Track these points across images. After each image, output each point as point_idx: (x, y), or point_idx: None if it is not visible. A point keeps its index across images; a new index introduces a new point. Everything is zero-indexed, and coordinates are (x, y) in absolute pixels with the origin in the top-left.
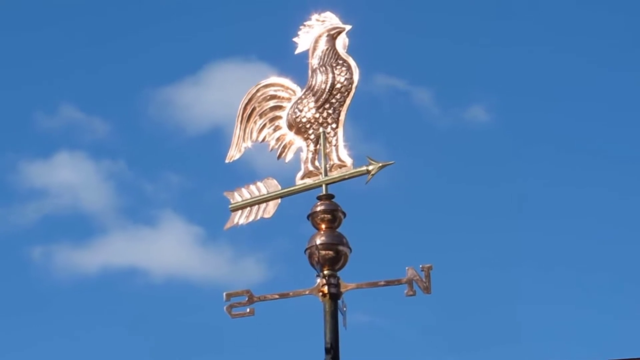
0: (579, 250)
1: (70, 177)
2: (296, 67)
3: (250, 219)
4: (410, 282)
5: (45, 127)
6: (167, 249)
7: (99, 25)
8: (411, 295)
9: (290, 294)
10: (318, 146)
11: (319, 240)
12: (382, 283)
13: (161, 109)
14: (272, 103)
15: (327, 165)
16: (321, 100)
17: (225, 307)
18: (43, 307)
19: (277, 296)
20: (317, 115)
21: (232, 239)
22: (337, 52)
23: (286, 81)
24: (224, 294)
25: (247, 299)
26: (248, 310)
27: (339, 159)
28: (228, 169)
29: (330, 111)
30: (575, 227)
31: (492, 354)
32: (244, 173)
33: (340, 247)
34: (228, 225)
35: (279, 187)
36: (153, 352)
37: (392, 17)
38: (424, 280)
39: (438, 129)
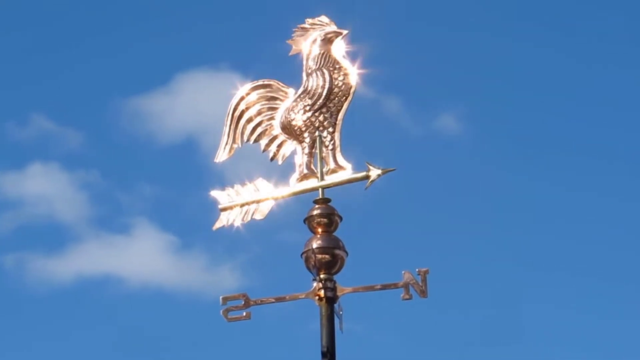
0: (572, 253)
1: (43, 188)
2: (268, 75)
3: (241, 219)
4: (406, 286)
5: (18, 138)
6: (142, 257)
7: (70, 37)
8: (407, 299)
9: (287, 297)
10: (314, 150)
11: (315, 244)
12: (379, 287)
13: (133, 120)
14: (262, 104)
15: (324, 170)
16: (318, 104)
17: (221, 311)
18: (16, 315)
19: (273, 300)
20: (313, 119)
21: (206, 246)
22: (334, 56)
23: (279, 82)
24: (221, 297)
25: (243, 302)
26: (244, 313)
27: (337, 164)
28: (201, 178)
29: (327, 115)
30: (561, 229)
31: (488, 357)
32: (217, 181)
33: (337, 251)
34: (217, 225)
35: (271, 188)
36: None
37: (359, 24)
38: (420, 284)
39: (410, 137)
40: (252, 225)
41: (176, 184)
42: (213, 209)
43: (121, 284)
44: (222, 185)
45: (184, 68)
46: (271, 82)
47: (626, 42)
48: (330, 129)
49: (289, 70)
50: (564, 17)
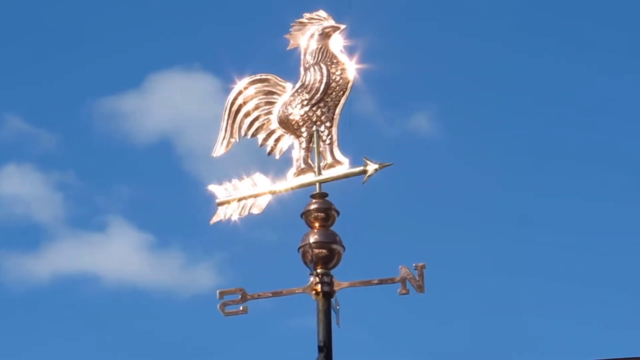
0: (566, 248)
1: (19, 189)
2: (240, 75)
3: (238, 214)
4: (403, 281)
5: None
6: (118, 256)
7: (43, 38)
8: (404, 294)
9: (284, 292)
10: (311, 144)
11: (312, 239)
12: (376, 281)
13: (107, 121)
14: (260, 98)
15: (321, 164)
16: (315, 99)
17: (218, 305)
18: None
19: (270, 294)
20: (311, 113)
21: (183, 245)
22: (331, 51)
23: (276, 77)
24: (217, 292)
25: (240, 296)
26: (241, 308)
27: (334, 158)
28: (177, 177)
29: (324, 110)
30: (555, 224)
31: (485, 352)
32: (192, 179)
33: (334, 246)
34: (214, 219)
35: (268, 183)
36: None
37: (356, 19)
38: (417, 279)
39: (385, 135)
40: (229, 223)
41: (152, 183)
42: (210, 204)
43: (97, 282)
44: (198, 183)
45: (157, 68)
46: (269, 77)
47: (606, 43)
48: (328, 124)
49: (272, 67)
50: (540, 19)
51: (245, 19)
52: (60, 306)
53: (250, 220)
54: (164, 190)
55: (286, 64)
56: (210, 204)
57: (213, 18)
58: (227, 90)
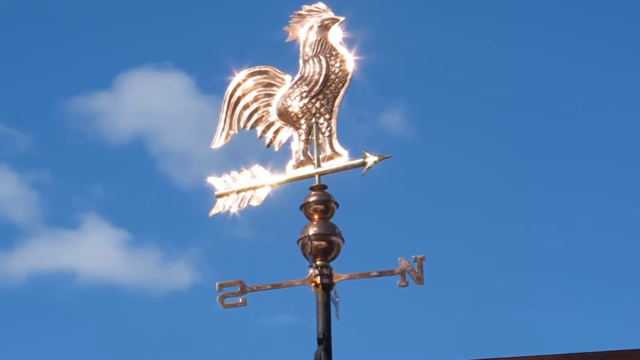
0: (565, 244)
1: None
2: (216, 72)
3: (237, 206)
4: (403, 273)
5: None
6: (94, 253)
7: (15, 39)
8: (404, 286)
9: (283, 284)
10: (311, 136)
11: (311, 231)
12: (375, 274)
13: (81, 121)
14: (259, 90)
15: (321, 156)
16: (314, 91)
17: (217, 298)
18: None
19: (269, 286)
20: (310, 105)
21: (158, 242)
22: (331, 43)
23: (275, 69)
24: (217, 284)
25: (239, 289)
26: (240, 300)
27: (333, 150)
28: (151, 175)
29: (323, 102)
30: (555, 220)
31: (485, 346)
32: (167, 177)
33: (333, 238)
34: (213, 211)
35: (268, 175)
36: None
37: (356, 11)
38: (416, 271)
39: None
40: (209, 220)
41: (126, 181)
42: (210, 196)
43: (74, 280)
44: (173, 180)
45: (128, 67)
46: (268, 69)
47: (589, 35)
48: (327, 116)
49: (271, 59)
50: (522, 13)
51: (244, 11)
52: (37, 304)
53: (225, 218)
54: (138, 187)
55: (285, 56)
56: (185, 199)
57: (211, 14)
58: (203, 88)
